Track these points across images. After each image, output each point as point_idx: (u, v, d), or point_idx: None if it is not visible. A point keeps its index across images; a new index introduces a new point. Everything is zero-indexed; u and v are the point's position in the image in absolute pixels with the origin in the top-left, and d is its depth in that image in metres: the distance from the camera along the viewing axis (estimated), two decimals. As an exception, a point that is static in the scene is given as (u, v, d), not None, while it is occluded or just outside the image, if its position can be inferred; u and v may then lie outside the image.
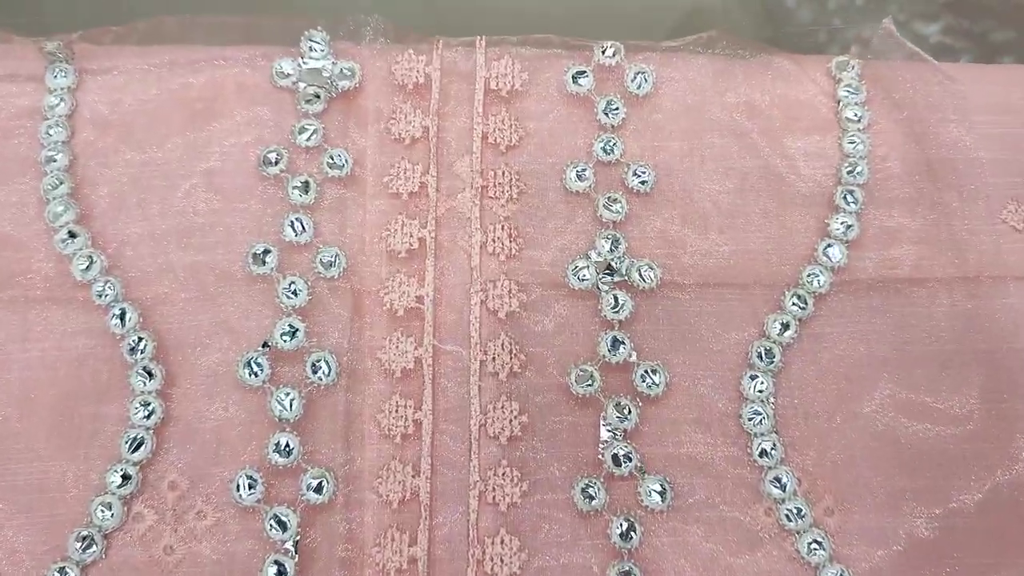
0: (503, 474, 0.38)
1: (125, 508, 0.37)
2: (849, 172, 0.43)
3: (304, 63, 0.43)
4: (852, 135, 0.44)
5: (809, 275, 0.41)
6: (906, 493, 0.39)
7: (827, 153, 0.43)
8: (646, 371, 0.40)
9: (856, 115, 0.44)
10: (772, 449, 0.39)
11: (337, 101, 0.43)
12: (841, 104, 0.44)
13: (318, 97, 0.43)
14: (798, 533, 0.38)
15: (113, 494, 0.37)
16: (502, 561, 0.36)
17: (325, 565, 0.37)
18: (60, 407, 0.38)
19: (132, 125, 0.42)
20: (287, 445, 0.38)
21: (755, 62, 0.45)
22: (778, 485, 0.39)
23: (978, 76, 0.45)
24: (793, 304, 0.41)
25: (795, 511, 0.38)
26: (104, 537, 0.37)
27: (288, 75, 0.43)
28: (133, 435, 0.38)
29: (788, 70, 0.45)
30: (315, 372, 0.39)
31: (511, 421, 0.39)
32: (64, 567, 0.36)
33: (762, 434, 0.39)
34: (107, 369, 0.39)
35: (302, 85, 0.43)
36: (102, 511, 0.37)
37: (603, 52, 0.44)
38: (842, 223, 0.42)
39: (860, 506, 0.38)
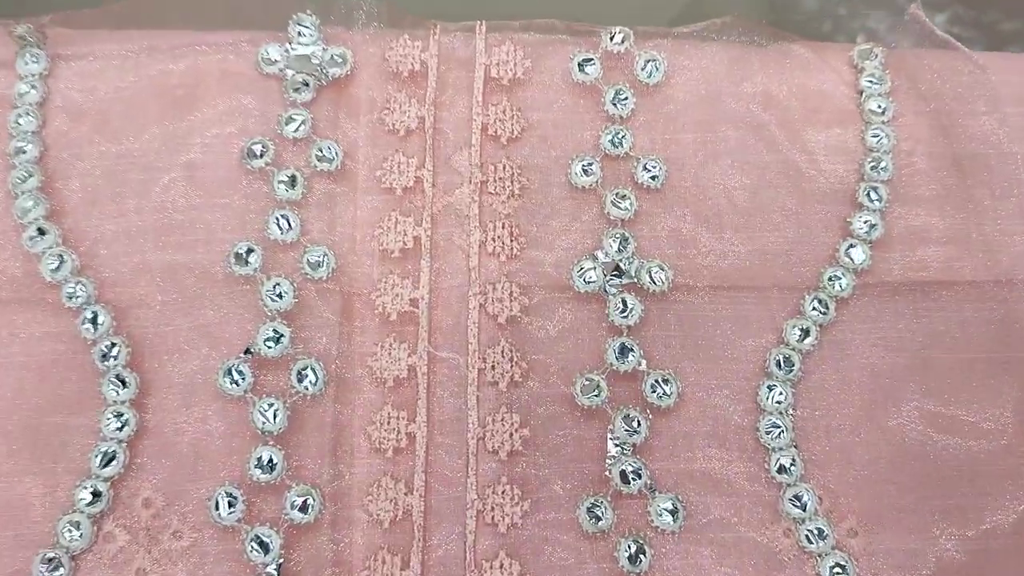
0: (503, 492, 0.36)
1: (95, 527, 0.35)
2: (873, 167, 0.41)
3: (292, 49, 0.42)
4: (876, 128, 0.42)
5: (830, 278, 0.39)
6: (936, 513, 0.37)
7: (849, 147, 0.41)
8: (657, 380, 0.38)
9: (880, 107, 0.42)
10: (791, 465, 0.37)
11: (327, 90, 0.41)
12: (864, 95, 0.43)
13: (307, 85, 0.41)
14: (820, 556, 0.36)
15: (82, 512, 0.35)
16: None
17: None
18: (26, 417, 0.37)
19: (107, 114, 0.40)
20: (270, 460, 0.36)
21: (772, 50, 0.43)
22: (798, 504, 0.37)
23: (1010, 66, 0.43)
24: (813, 309, 0.39)
25: (816, 532, 0.36)
26: (72, 559, 0.35)
27: (275, 62, 0.42)
28: (104, 448, 0.36)
29: (807, 59, 0.43)
30: (301, 381, 0.37)
31: (511, 435, 0.37)
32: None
33: (781, 448, 0.37)
34: (77, 377, 0.37)
35: (290, 72, 0.41)
36: (70, 531, 0.35)
37: (611, 38, 0.42)
38: (865, 222, 0.40)
39: (886, 527, 0.37)
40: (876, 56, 0.43)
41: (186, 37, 0.42)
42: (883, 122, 0.42)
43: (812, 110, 0.42)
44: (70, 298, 0.38)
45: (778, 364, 0.38)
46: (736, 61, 0.43)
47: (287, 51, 0.42)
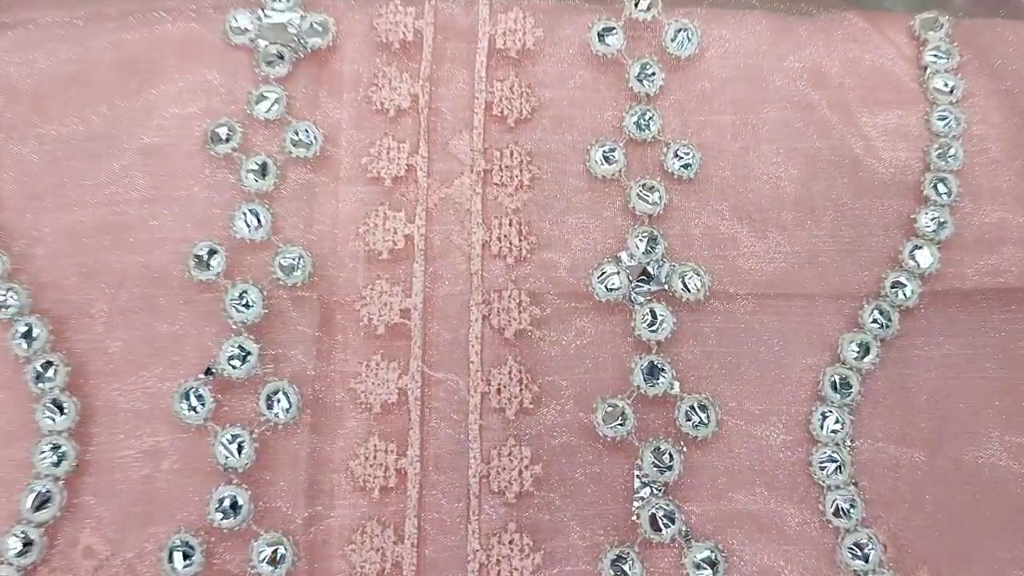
0: (510, 542, 0.33)
1: None
2: (940, 155, 0.38)
3: (265, 16, 0.39)
4: (942, 110, 0.39)
5: (893, 284, 0.36)
6: (1022, 563, 0.34)
7: (912, 132, 0.39)
8: (692, 407, 0.34)
9: (947, 85, 0.39)
10: (850, 507, 0.34)
11: (305, 63, 0.39)
12: (928, 71, 0.39)
13: (281, 58, 0.38)
14: (886, 616, 0.33)
15: (10, 564, 0.32)
16: None
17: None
18: (-55, 450, 0.33)
19: (48, 92, 0.38)
20: (234, 502, 0.33)
21: (821, 19, 0.40)
22: (859, 553, 0.33)
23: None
24: (874, 321, 0.36)
25: (881, 587, 0.33)
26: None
27: (245, 31, 0.39)
28: (38, 488, 0.33)
29: (861, 29, 0.40)
30: (271, 407, 0.34)
31: (521, 472, 0.34)
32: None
33: (838, 487, 0.34)
34: (7, 400, 0.34)
35: (262, 43, 0.38)
36: None
37: (636, 4, 0.39)
38: (932, 219, 0.37)
39: (963, 580, 0.33)
40: (942, 26, 0.40)
41: (141, 2, 0.39)
42: (951, 103, 0.39)
43: (869, 88, 0.39)
44: (0, 307, 0.35)
45: (833, 386, 0.35)
46: (780, 32, 0.40)
47: (259, 18, 0.39)
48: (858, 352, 0.35)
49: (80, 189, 0.36)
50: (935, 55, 0.39)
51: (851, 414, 0.34)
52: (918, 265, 0.36)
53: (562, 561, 0.33)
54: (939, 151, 0.37)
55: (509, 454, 0.34)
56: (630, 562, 0.32)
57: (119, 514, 0.33)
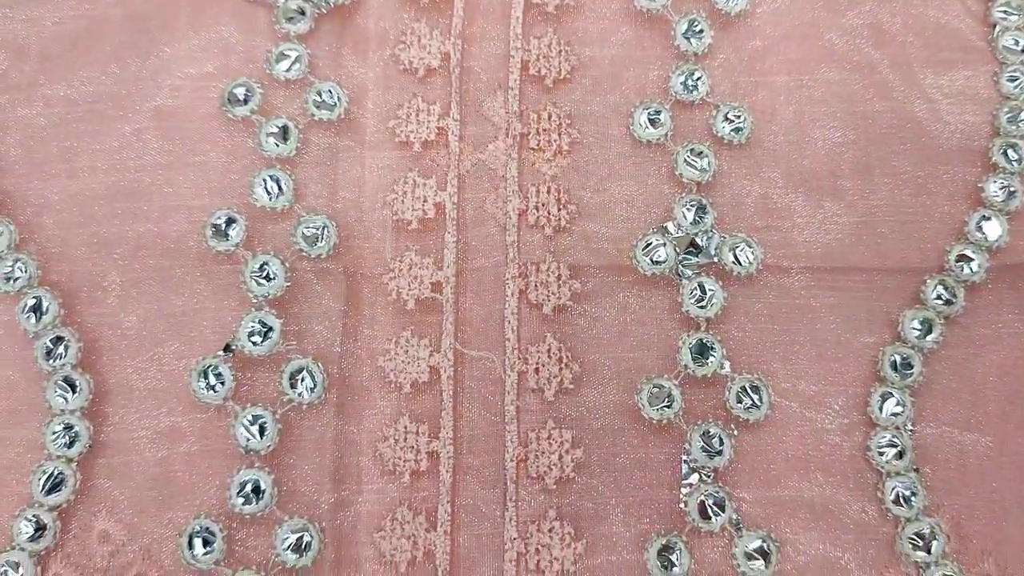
0: (550, 530, 0.32)
1: (38, 568, 0.31)
2: (1010, 119, 0.36)
3: None
4: (1013, 70, 0.37)
5: (958, 258, 0.34)
6: None
7: (979, 94, 0.37)
8: (743, 388, 0.33)
9: (1017, 43, 0.37)
10: (911, 494, 0.32)
11: (328, 19, 0.37)
12: (997, 29, 0.37)
13: (302, 14, 0.37)
14: (949, 611, 0.32)
15: (22, 549, 0.31)
16: None
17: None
18: (-49, 429, 0.33)
19: (55, 51, 0.37)
20: (256, 486, 0.31)
21: None
22: (921, 543, 0.32)
23: None
24: (937, 296, 0.34)
25: (945, 580, 0.31)
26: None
27: None
28: (50, 470, 0.32)
29: None
30: (295, 386, 0.33)
31: (561, 456, 0.32)
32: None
33: (898, 473, 0.32)
34: (16, 379, 0.33)
35: None
36: (7, 572, 0.31)
37: None
38: (1001, 187, 0.35)
39: (1033, 574, 0.32)
40: (1012, -21, 0.38)
41: (153, -47, 0.37)
42: (1022, 62, 0.37)
43: (933, 47, 0.37)
44: (7, 280, 0.33)
45: (893, 366, 0.33)
46: (838, -15, 0.37)
47: (278, -29, 0.37)
48: (920, 330, 0.33)
49: (90, 154, 0.35)
50: (1004, 11, 0.37)
51: (912, 396, 0.33)
52: (985, 237, 0.34)
53: (605, 550, 0.32)
54: (1009, 114, 0.36)
55: (548, 437, 0.32)
56: (677, 552, 0.31)
57: (135, 498, 0.32)
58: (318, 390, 0.32)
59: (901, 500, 0.32)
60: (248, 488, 0.31)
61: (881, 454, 0.32)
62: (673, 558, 0.31)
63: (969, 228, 0.34)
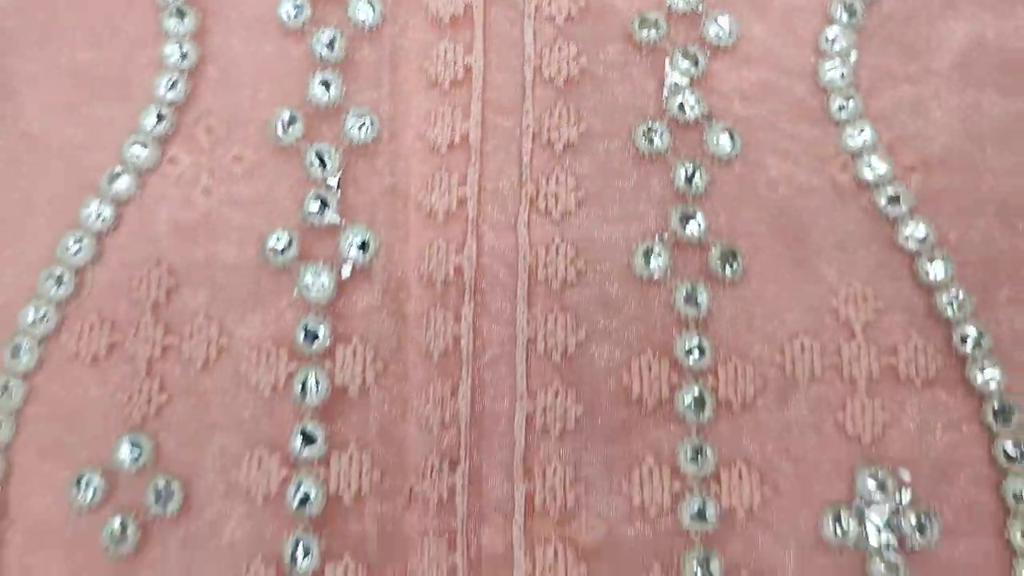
0: (558, 115, 0.35)
1: (161, 149, 0.36)
2: None
3: None
4: None
5: None
6: None
7: None
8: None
9: None
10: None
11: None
12: None
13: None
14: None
15: (148, 133, 0.36)
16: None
17: (369, 200, 0.35)
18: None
19: None
20: (326, 82, 0.36)
21: None
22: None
23: None
24: None
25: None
26: (139, 175, 0.36)
27: None
28: (167, 77, 0.36)
29: None
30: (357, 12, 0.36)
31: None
32: (100, 201, 0.35)
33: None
34: (138, 11, 0.37)
35: None
36: (138, 149, 0.35)
37: None
38: None
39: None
40: None
41: None
42: None
43: None
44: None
45: None
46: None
47: None
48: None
49: None
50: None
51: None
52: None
53: None
54: None
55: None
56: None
57: (233, 99, 0.36)
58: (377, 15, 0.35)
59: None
60: (319, 87, 0.35)
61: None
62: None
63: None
